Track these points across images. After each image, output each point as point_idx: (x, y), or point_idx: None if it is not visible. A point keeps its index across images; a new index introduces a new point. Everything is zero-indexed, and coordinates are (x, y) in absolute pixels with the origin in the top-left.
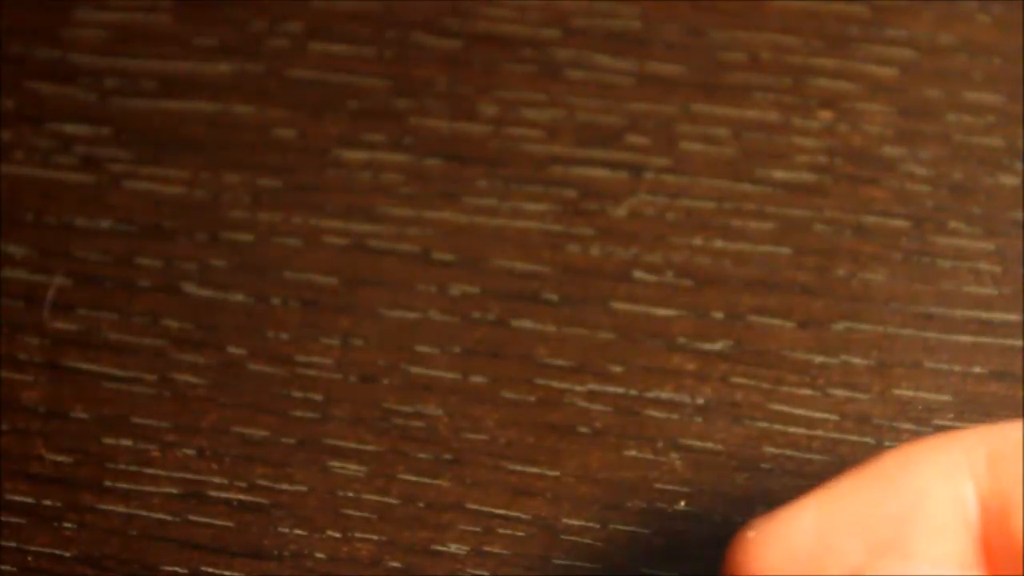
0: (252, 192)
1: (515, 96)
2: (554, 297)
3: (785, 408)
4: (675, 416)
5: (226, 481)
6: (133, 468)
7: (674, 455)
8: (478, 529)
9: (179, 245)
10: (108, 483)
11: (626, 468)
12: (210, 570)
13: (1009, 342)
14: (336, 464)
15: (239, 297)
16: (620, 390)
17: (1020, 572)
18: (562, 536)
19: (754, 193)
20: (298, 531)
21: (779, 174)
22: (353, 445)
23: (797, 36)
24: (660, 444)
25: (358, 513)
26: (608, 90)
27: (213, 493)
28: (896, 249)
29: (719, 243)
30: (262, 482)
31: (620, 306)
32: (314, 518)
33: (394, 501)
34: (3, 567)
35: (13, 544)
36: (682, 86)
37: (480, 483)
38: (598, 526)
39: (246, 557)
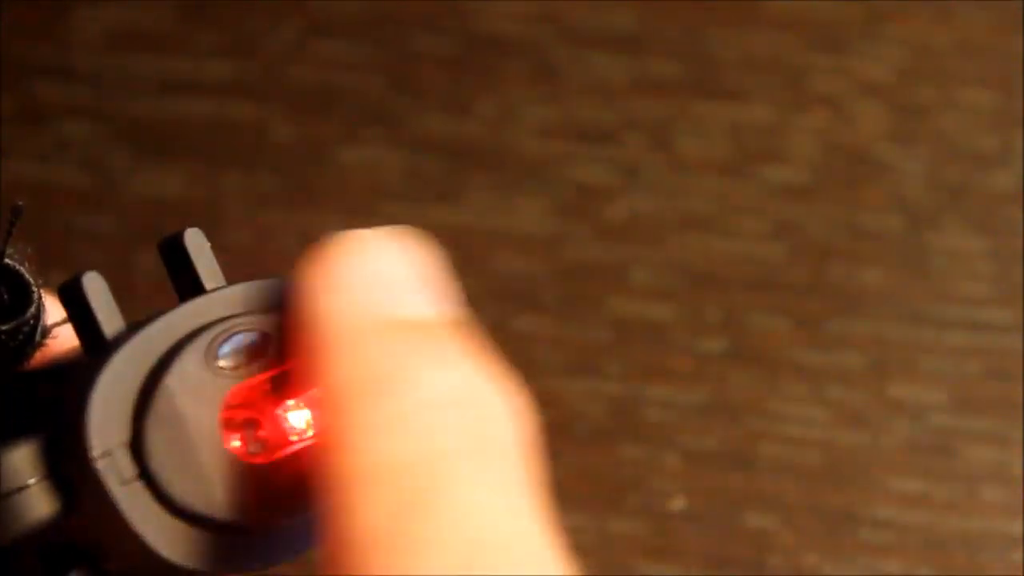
0: (251, 192)
1: (513, 96)
2: (552, 297)
3: (781, 407)
4: (672, 415)
5: None
6: None
7: (671, 454)
8: None
9: None
10: None
11: (624, 467)
12: None
13: (1004, 341)
14: None
15: None
16: (617, 389)
17: None
18: (560, 535)
19: (750, 192)
20: None
21: (775, 173)
22: None
23: (793, 36)
24: (657, 443)
25: None
26: (605, 89)
27: None
28: (891, 248)
29: (715, 242)
30: None
31: (617, 305)
32: None
33: None
34: None
35: None
36: (679, 86)
37: None
38: (596, 525)
39: None
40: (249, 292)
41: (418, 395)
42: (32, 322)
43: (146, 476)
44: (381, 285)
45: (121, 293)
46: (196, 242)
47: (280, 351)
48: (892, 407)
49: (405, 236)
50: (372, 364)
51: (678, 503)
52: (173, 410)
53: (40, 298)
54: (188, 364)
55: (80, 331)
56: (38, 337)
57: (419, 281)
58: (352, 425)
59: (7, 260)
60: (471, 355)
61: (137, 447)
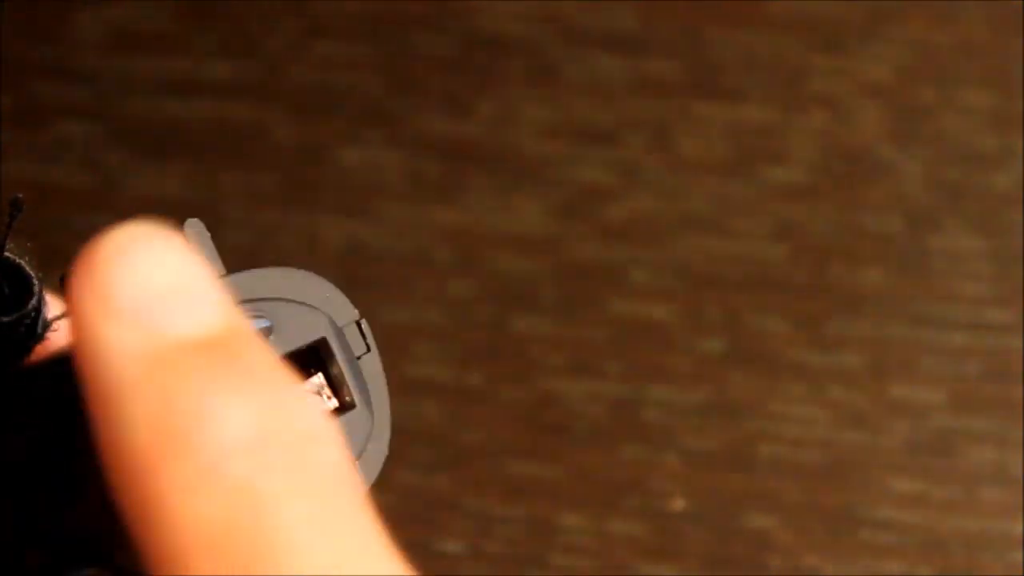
0: (251, 192)
1: (513, 96)
2: (551, 297)
3: (781, 407)
4: (672, 415)
5: None
6: None
7: (671, 454)
8: (475, 528)
9: None
10: None
11: (623, 467)
12: None
13: (1004, 342)
14: None
15: None
16: (617, 390)
17: None
18: (559, 535)
19: (750, 193)
20: None
21: (775, 174)
22: None
23: (793, 36)
24: (657, 443)
25: None
26: (605, 90)
27: None
28: (891, 249)
29: (715, 243)
30: None
31: (616, 306)
32: None
33: (392, 499)
34: None
35: None
36: (679, 86)
37: (477, 482)
38: (595, 526)
39: None
40: (251, 279)
41: (227, 435)
42: (33, 315)
43: None
44: (160, 298)
45: None
46: (197, 232)
47: (288, 334)
48: (892, 407)
49: (169, 231)
50: (167, 408)
51: (678, 503)
52: None
53: (41, 291)
54: None
55: None
56: (39, 330)
57: (199, 287)
58: (162, 490)
59: (7, 254)
60: (272, 368)
61: None
